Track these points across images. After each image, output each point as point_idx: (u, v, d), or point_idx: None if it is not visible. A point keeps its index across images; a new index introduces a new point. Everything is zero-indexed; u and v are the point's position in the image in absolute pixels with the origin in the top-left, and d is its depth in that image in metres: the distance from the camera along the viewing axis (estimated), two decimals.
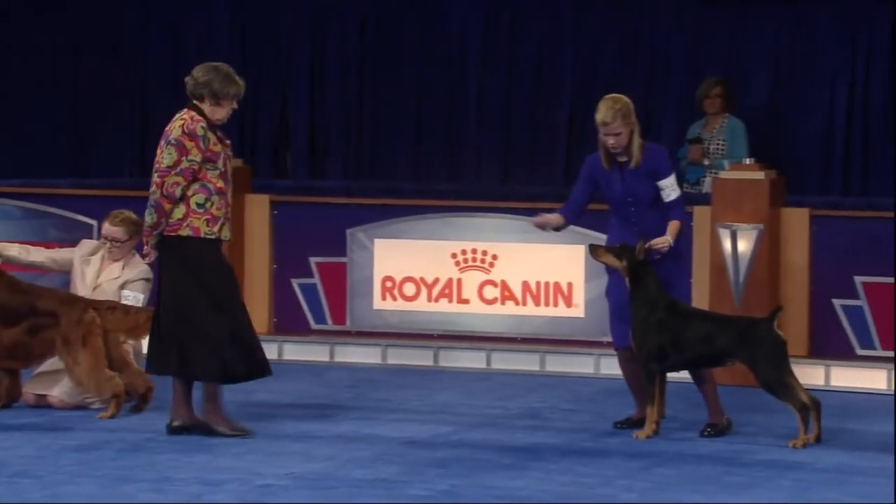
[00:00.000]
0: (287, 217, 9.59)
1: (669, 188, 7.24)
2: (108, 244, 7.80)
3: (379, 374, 9.06)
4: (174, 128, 6.81)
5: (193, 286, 6.80)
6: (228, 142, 6.99)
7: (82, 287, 7.83)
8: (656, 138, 10.10)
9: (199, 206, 6.79)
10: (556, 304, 9.11)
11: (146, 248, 6.94)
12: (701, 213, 8.85)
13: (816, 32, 9.86)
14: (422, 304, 9.33)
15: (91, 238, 8.53)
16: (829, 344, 8.66)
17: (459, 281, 9.24)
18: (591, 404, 8.08)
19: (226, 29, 11.05)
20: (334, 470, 6.37)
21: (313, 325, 9.54)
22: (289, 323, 9.53)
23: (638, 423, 7.26)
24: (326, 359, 9.36)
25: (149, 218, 6.82)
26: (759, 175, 8.70)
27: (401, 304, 9.35)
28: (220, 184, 6.83)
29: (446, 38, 10.61)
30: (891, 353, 8.56)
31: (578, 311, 9.08)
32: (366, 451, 6.76)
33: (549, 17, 10.44)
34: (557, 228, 7.47)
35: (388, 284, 9.42)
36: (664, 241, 7.14)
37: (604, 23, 10.30)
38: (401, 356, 9.23)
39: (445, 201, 9.35)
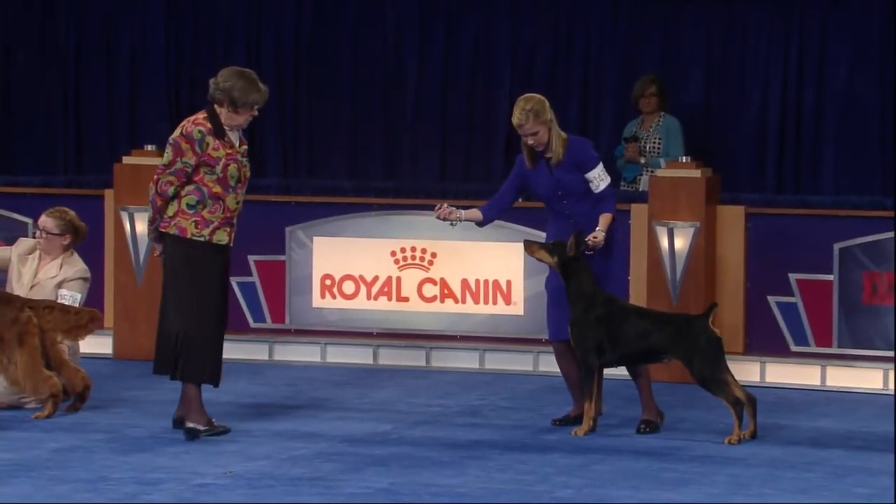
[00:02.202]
0: None
1: (597, 179, 7.30)
2: (39, 234, 7.75)
3: (318, 372, 9.04)
4: (177, 128, 6.86)
5: (169, 283, 6.85)
6: (245, 147, 6.92)
7: (19, 286, 7.75)
8: (593, 137, 10.16)
9: (190, 207, 6.79)
10: (495, 302, 9.14)
11: (149, 242, 7.08)
12: (638, 211, 8.92)
13: (749, 31, 9.94)
14: (361, 302, 9.33)
15: (27, 237, 8.45)
16: (764, 340, 8.76)
17: (399, 279, 9.25)
18: (529, 401, 8.12)
19: (160, 25, 10.98)
20: (272, 468, 6.36)
21: (252, 324, 9.51)
22: (231, 322, 9.46)
23: (575, 419, 7.31)
24: (265, 357, 9.33)
25: (149, 213, 6.91)
26: (696, 173, 8.78)
27: (340, 303, 9.34)
28: (217, 189, 6.79)
29: (382, 37, 10.60)
30: (824, 350, 8.68)
31: (517, 308, 9.12)
32: (304, 449, 6.75)
33: (485, 15, 10.46)
34: (458, 221, 7.46)
35: (328, 282, 9.40)
36: (597, 236, 7.19)
37: (539, 21, 10.34)
38: (340, 354, 9.22)
39: (384, 199, 9.35)
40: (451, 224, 7.50)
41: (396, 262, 9.26)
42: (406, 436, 6.97)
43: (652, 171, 9.33)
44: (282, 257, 9.44)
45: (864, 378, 8.50)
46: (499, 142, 10.50)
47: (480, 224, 7.54)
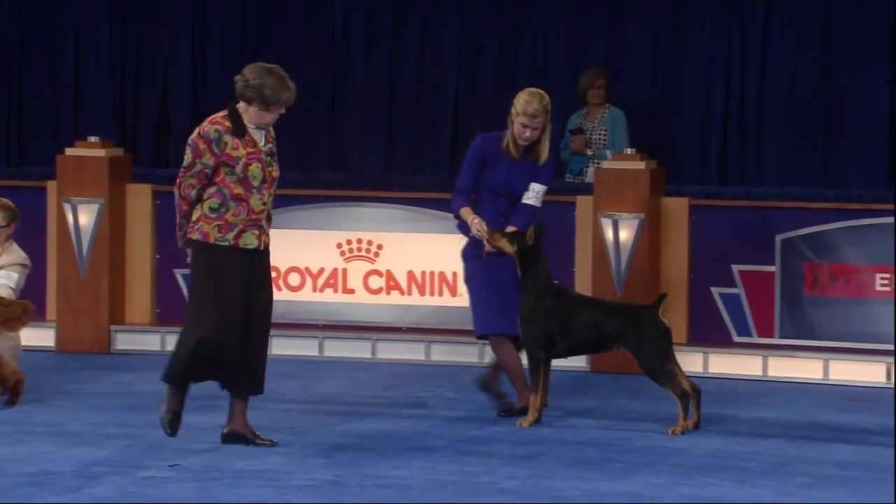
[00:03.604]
0: (170, 207, 9.42)
1: (539, 195, 7.41)
2: None
3: None
4: (197, 128, 6.59)
5: (194, 291, 6.59)
6: (270, 146, 6.60)
7: None
8: None
9: (213, 210, 6.51)
10: (441, 294, 9.15)
11: (180, 247, 6.73)
12: (583, 203, 8.96)
13: (693, 24, 10.00)
14: (307, 294, 9.31)
15: None
16: (707, 331, 8.83)
17: (345, 271, 9.24)
18: (476, 393, 8.12)
19: (105, 14, 10.89)
20: (217, 461, 6.34)
21: None
22: (171, 314, 9.44)
23: (521, 411, 7.34)
24: None
25: (176, 217, 6.65)
26: (640, 165, 8.83)
27: (286, 294, 9.32)
28: (239, 190, 6.50)
29: (330, 28, 10.57)
30: (766, 340, 8.77)
31: (463, 300, 9.10)
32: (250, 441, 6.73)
33: (433, 6, 10.46)
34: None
35: (273, 274, 9.35)
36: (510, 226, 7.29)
37: (486, 13, 10.35)
38: (286, 346, 9.19)
39: (330, 191, 9.34)
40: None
41: (342, 253, 9.25)
42: (352, 428, 6.97)
43: (598, 163, 9.38)
44: None
45: (805, 368, 8.59)
46: (446, 134, 10.51)
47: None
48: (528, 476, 6.16)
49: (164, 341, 9.34)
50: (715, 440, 6.91)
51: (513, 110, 7.33)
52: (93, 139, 9.37)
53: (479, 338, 7.61)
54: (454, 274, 9.08)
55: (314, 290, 9.29)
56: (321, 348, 9.19)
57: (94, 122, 10.55)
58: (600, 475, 6.20)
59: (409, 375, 8.64)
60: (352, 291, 9.25)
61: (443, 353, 9.03)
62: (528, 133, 7.30)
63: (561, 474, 6.20)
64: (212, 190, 6.53)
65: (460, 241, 8.84)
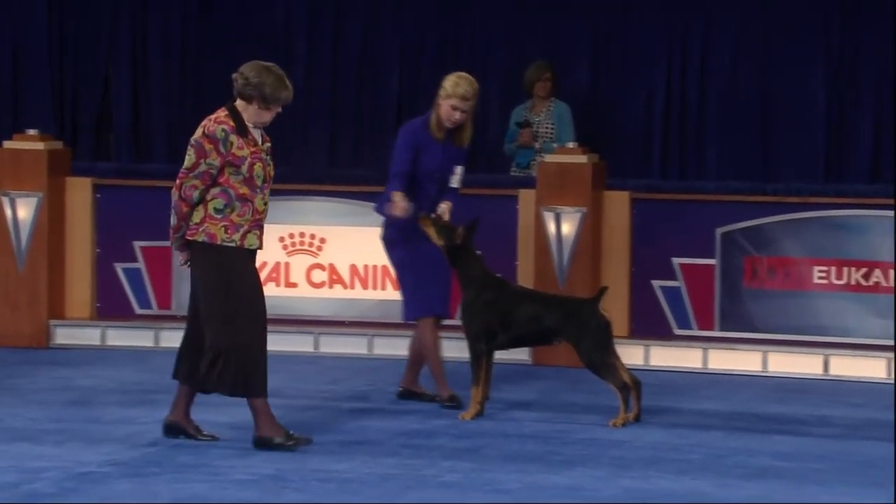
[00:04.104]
0: (110, 201, 9.43)
1: (461, 175, 7.47)
2: None
3: None
4: (199, 127, 6.41)
5: (202, 293, 6.43)
6: (268, 145, 6.52)
7: None
8: (481, 123, 10.22)
9: (217, 211, 6.35)
10: (383, 288, 9.15)
11: (174, 250, 6.54)
12: (525, 197, 8.99)
13: (634, 19, 10.05)
14: None
15: None
16: (648, 324, 8.89)
17: (287, 265, 9.21)
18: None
19: (45, 7, 10.78)
20: (158, 456, 6.31)
21: (137, 310, 9.41)
22: (112, 308, 9.38)
23: (446, 402, 7.36)
24: (151, 344, 9.24)
25: (172, 219, 6.44)
26: (582, 159, 8.87)
27: None
28: (244, 190, 6.36)
29: (272, 22, 10.52)
30: (706, 333, 8.84)
31: None
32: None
33: (374, 4, 10.44)
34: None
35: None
36: (444, 212, 7.37)
37: (427, 10, 10.35)
38: None
39: (273, 185, 9.28)
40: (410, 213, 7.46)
41: (285, 247, 9.22)
42: (294, 421, 6.94)
43: (545, 157, 9.41)
44: (168, 243, 9.32)
45: (745, 360, 8.67)
46: (388, 128, 10.49)
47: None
48: (469, 469, 6.17)
49: (105, 335, 9.29)
50: (655, 432, 6.96)
51: (441, 93, 7.38)
52: (31, 132, 9.28)
53: (409, 322, 7.60)
54: None
55: None
56: None
57: (32, 116, 10.45)
58: (542, 468, 6.22)
59: (352, 369, 8.63)
60: (294, 285, 9.23)
61: (385, 347, 9.02)
62: (457, 115, 7.34)
63: (502, 467, 6.21)
64: (216, 191, 6.38)
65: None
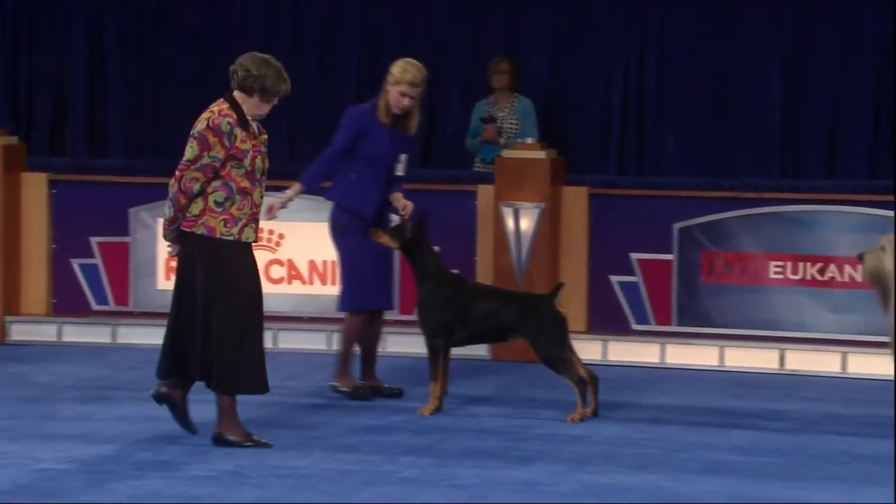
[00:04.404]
0: (66, 196, 9.37)
1: (405, 164, 7.52)
2: None
3: None
4: (201, 119, 6.35)
5: (199, 287, 6.32)
6: (265, 137, 6.47)
7: None
8: (440, 117, 10.23)
9: (218, 204, 6.30)
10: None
11: (166, 242, 6.48)
12: (484, 192, 9.00)
13: (592, 14, 10.07)
14: None
15: None
16: (606, 319, 8.93)
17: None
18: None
19: None
20: (115, 452, 6.27)
21: (94, 306, 9.36)
22: (69, 304, 9.32)
23: (346, 393, 7.41)
24: (108, 340, 9.19)
25: (167, 211, 6.36)
26: (541, 155, 8.89)
27: None
28: (245, 183, 6.31)
29: (230, 15, 10.47)
30: (664, 328, 8.89)
31: None
32: (148, 432, 6.68)
33: None
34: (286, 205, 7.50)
35: (173, 264, 9.27)
36: (406, 205, 7.41)
37: (387, 3, 10.33)
38: None
39: None
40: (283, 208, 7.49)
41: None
42: (252, 417, 6.92)
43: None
44: (125, 239, 9.31)
45: (702, 355, 8.72)
46: None
47: (310, 191, 7.57)
48: (428, 465, 6.18)
49: (62, 332, 9.23)
50: (613, 427, 6.99)
51: (389, 79, 7.41)
52: None
53: (345, 311, 7.60)
54: None
55: None
56: None
57: None
58: (500, 463, 6.24)
59: (311, 365, 8.62)
60: None
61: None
62: (406, 102, 7.37)
63: (461, 462, 6.22)
64: (217, 183, 6.32)
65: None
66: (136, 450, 6.33)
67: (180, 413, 6.57)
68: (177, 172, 6.34)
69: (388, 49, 10.29)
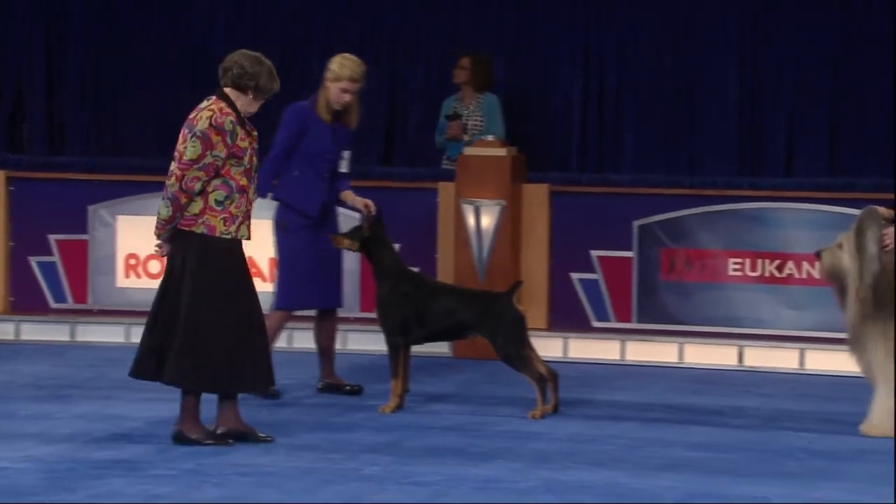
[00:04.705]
0: (24, 193, 9.32)
1: (349, 160, 7.54)
2: None
3: (122, 353, 8.85)
4: (200, 118, 6.30)
5: (197, 286, 6.26)
6: (256, 134, 6.47)
7: None
8: (402, 115, 10.22)
9: (218, 203, 6.27)
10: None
11: (158, 241, 6.38)
12: (445, 189, 9.01)
13: (552, 11, 10.07)
14: None
15: None
16: (566, 317, 8.96)
17: None
18: None
19: None
20: (73, 451, 6.24)
21: (53, 304, 9.31)
22: (27, 302, 9.27)
23: (334, 388, 7.45)
24: (67, 338, 9.15)
25: (164, 210, 6.29)
26: (501, 152, 8.91)
27: (145, 282, 9.20)
28: (244, 181, 6.31)
29: (191, 15, 10.40)
30: (624, 325, 8.93)
31: None
32: (107, 431, 6.65)
33: None
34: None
35: (132, 262, 9.25)
36: (368, 204, 7.40)
37: (348, 2, 10.31)
38: None
39: None
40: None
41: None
42: (213, 416, 6.91)
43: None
44: (84, 236, 9.26)
45: (661, 352, 8.77)
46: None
47: (262, 197, 7.56)
48: (389, 462, 6.18)
49: (19, 330, 9.18)
50: (574, 424, 7.02)
51: (329, 75, 7.44)
52: None
53: (279, 309, 7.59)
54: None
55: None
56: None
57: None
58: (461, 460, 6.25)
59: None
60: None
61: (305, 341, 8.97)
62: (346, 97, 7.38)
63: (422, 460, 6.23)
64: (217, 182, 6.30)
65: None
66: (96, 448, 6.30)
67: (243, 434, 6.46)
68: (177, 171, 6.28)
69: (350, 46, 10.26)
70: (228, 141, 6.32)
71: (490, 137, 9.08)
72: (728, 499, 5.68)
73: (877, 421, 6.79)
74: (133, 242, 9.23)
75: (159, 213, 6.35)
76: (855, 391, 7.47)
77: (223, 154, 6.30)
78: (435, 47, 10.15)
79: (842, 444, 6.65)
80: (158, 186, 9.16)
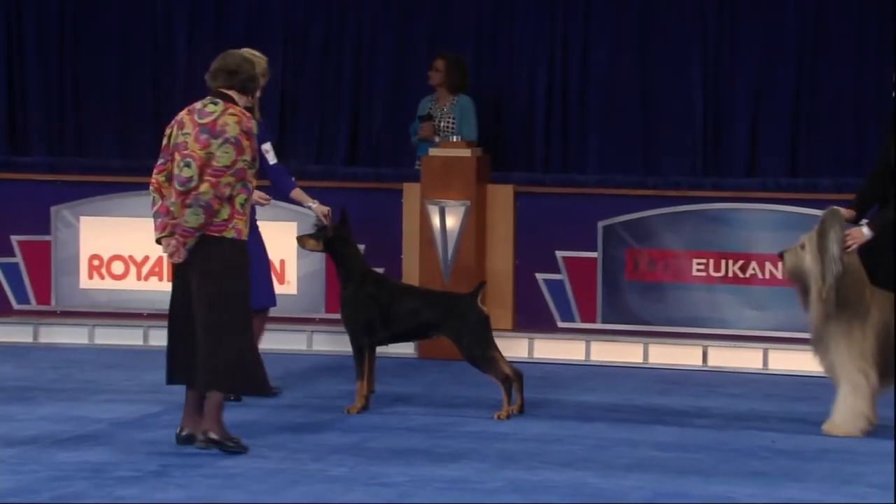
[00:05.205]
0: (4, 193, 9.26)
1: (273, 152, 7.51)
2: None
3: (86, 354, 8.85)
4: (227, 123, 6.21)
5: (227, 290, 6.21)
6: None
7: None
8: (367, 115, 10.20)
9: (241, 206, 6.24)
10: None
11: (180, 249, 6.21)
12: (410, 190, 9.01)
13: (516, 12, 10.09)
14: (131, 283, 9.17)
15: None
16: (532, 317, 8.97)
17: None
18: (303, 380, 8.13)
19: None
20: (37, 453, 6.20)
21: (15, 306, 9.25)
22: None
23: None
24: (30, 340, 9.10)
25: (194, 219, 6.16)
26: (466, 152, 8.92)
27: (109, 283, 9.17)
28: (254, 183, 6.35)
29: (151, 16, 10.34)
30: (589, 325, 8.95)
31: (291, 287, 9.11)
32: (71, 433, 6.61)
33: None
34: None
35: (96, 263, 9.21)
36: (322, 208, 7.38)
37: (311, 1, 10.27)
38: (109, 336, 9.05)
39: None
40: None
41: None
42: (177, 418, 6.87)
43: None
44: (47, 237, 9.20)
45: (626, 352, 8.80)
46: (271, 117, 10.41)
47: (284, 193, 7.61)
48: (356, 463, 6.18)
49: None
50: (540, 424, 7.03)
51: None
52: None
53: None
54: (282, 261, 9.05)
55: (138, 278, 9.16)
56: (146, 337, 9.06)
57: None
58: (427, 461, 6.25)
59: None
60: None
61: (271, 341, 8.93)
62: (258, 93, 7.32)
63: (388, 460, 6.23)
64: (238, 186, 6.26)
65: (287, 228, 8.84)
66: (59, 450, 6.26)
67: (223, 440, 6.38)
68: (212, 179, 6.18)
69: (312, 47, 10.26)
70: (254, 145, 6.30)
71: (455, 138, 9.08)
72: (695, 498, 5.71)
73: (839, 420, 6.84)
74: (96, 243, 9.18)
75: (187, 222, 6.20)
76: (818, 391, 7.53)
77: (250, 158, 6.28)
78: (399, 47, 10.14)
79: (806, 443, 6.69)
80: (121, 187, 9.24)
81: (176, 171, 6.28)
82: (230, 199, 6.26)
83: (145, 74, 10.42)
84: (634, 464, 6.27)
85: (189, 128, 6.30)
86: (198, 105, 6.38)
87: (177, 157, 6.29)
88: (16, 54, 10.51)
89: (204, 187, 6.20)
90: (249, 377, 6.36)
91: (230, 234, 6.28)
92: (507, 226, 8.99)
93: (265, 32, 10.28)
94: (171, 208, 6.27)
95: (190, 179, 6.20)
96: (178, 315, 6.35)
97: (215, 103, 6.33)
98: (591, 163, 9.92)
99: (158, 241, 6.34)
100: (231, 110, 6.31)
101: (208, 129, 6.25)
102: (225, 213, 6.25)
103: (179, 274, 6.35)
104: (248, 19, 10.37)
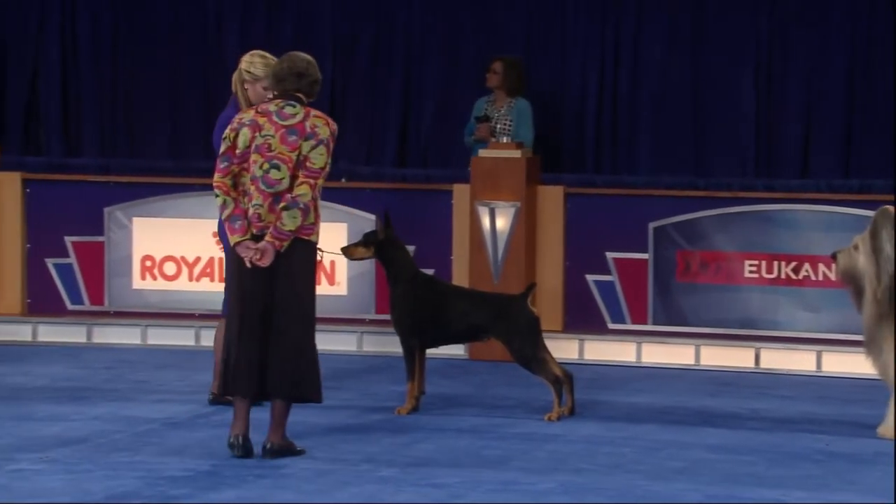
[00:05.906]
0: (41, 195, 9.34)
1: None
2: None
3: (138, 354, 8.92)
4: (317, 125, 6.16)
5: (306, 294, 6.24)
6: None
7: None
8: (417, 116, 10.21)
9: (316, 209, 6.23)
10: (318, 283, 9.11)
11: (270, 252, 6.11)
12: (460, 191, 9.01)
13: (567, 14, 10.06)
14: (182, 284, 9.23)
15: None
16: (582, 318, 8.95)
17: (220, 260, 9.13)
18: (353, 381, 8.15)
19: None
20: (90, 453, 6.26)
21: (69, 306, 9.33)
22: (43, 304, 9.29)
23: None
24: (83, 340, 9.17)
25: (292, 221, 6.08)
26: (516, 154, 8.91)
27: (161, 284, 9.22)
28: None
29: (202, 14, 10.41)
30: (640, 327, 8.91)
31: (341, 288, 9.13)
32: (124, 432, 6.66)
33: None
34: None
35: (148, 264, 9.28)
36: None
37: (360, 2, 10.30)
38: (161, 336, 9.11)
39: (204, 179, 9.18)
40: None
41: (218, 242, 9.16)
42: (228, 418, 6.90)
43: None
44: (100, 238, 9.28)
45: (678, 354, 8.76)
46: None
47: None
48: (406, 464, 6.18)
49: (36, 332, 9.20)
50: (590, 426, 7.01)
51: (247, 76, 7.30)
52: None
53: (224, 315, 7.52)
54: (332, 262, 9.07)
55: (190, 279, 9.21)
56: (197, 338, 9.11)
57: None
58: (477, 462, 6.25)
59: None
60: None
61: (321, 342, 8.86)
62: (269, 95, 7.28)
63: (438, 462, 6.23)
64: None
65: (338, 229, 8.86)
66: (112, 450, 6.32)
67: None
68: (310, 181, 6.12)
69: (362, 48, 10.29)
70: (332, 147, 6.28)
71: (505, 139, 9.07)
72: (747, 501, 5.67)
73: (894, 423, 6.77)
74: (149, 244, 9.25)
75: (285, 224, 6.11)
76: (871, 393, 7.46)
77: (330, 161, 6.26)
78: (448, 47, 10.14)
79: (859, 446, 6.63)
80: (173, 188, 9.30)
81: (259, 172, 6.15)
82: (314, 202, 6.21)
83: (196, 77, 10.49)
84: (685, 467, 6.24)
85: (270, 129, 6.18)
86: (270, 107, 6.25)
87: (257, 158, 6.16)
88: (70, 58, 10.61)
89: (303, 189, 6.11)
90: (318, 386, 6.33)
91: (315, 237, 6.24)
92: (558, 227, 8.97)
93: (315, 35, 10.31)
94: (258, 211, 6.14)
95: (280, 181, 6.11)
96: (250, 322, 6.17)
97: (292, 105, 6.23)
98: (642, 164, 9.88)
99: (234, 245, 6.18)
100: (315, 113, 6.25)
101: (296, 131, 6.17)
102: (312, 216, 6.20)
103: (254, 277, 6.16)
104: (297, 20, 10.41)
